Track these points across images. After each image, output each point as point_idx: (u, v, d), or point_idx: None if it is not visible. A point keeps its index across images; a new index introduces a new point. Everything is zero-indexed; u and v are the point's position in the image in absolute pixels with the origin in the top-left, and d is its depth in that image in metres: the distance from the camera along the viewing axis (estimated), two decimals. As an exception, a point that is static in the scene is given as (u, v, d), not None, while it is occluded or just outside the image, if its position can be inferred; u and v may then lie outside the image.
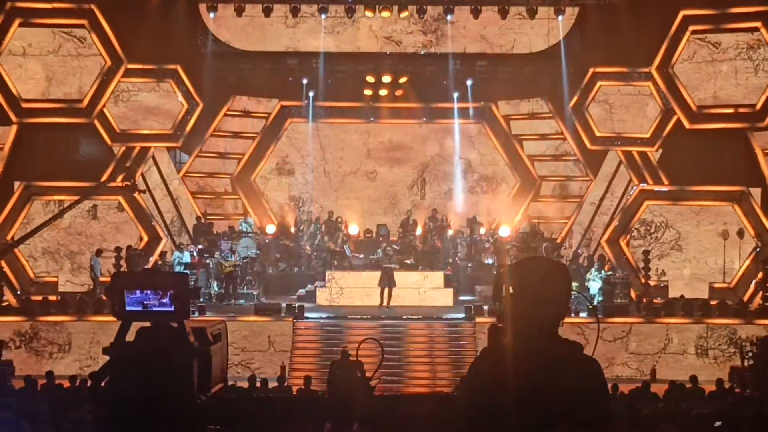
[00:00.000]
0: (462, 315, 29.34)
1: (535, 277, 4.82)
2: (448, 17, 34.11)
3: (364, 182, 38.36)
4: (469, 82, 36.10)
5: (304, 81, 36.07)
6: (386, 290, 30.58)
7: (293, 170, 38.13)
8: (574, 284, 5.01)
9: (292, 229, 35.93)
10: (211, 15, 33.84)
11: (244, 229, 34.71)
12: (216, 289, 31.44)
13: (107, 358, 7.46)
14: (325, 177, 38.31)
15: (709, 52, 32.37)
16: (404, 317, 29.50)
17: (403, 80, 36.44)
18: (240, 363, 27.36)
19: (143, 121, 33.61)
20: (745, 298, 30.86)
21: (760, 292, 30.53)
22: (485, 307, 28.89)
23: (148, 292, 7.29)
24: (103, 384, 7.52)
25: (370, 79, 36.28)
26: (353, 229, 36.37)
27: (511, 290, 4.82)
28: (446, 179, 38.36)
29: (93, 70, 32.69)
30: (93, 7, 32.13)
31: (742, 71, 32.11)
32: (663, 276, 32.81)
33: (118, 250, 31.68)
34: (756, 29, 31.62)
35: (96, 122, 32.77)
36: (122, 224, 33.34)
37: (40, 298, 30.43)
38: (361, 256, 34.08)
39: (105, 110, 32.84)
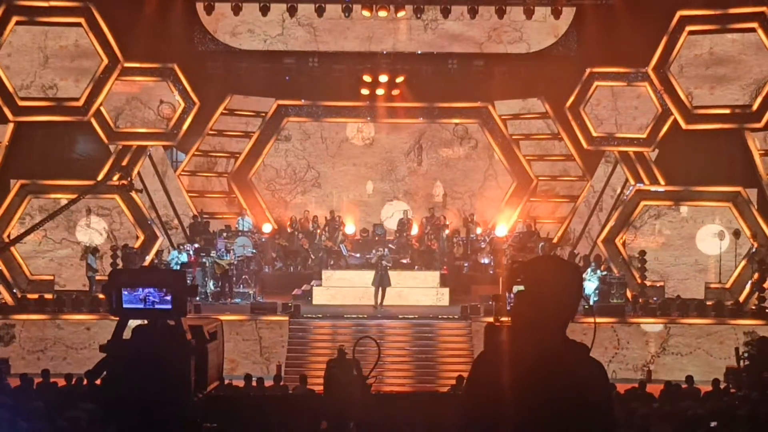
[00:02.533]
0: (457, 314, 29.38)
1: (548, 276, 4.79)
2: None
3: (360, 148, 38.37)
4: None
5: None
6: (380, 290, 30.60)
7: (290, 136, 38.13)
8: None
9: (288, 229, 35.91)
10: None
11: (241, 228, 34.70)
12: (212, 287, 31.45)
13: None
14: (321, 143, 38.30)
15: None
16: (400, 317, 29.53)
17: (399, 80, 36.41)
18: (236, 361, 27.35)
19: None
20: (741, 299, 30.89)
21: (756, 293, 30.57)
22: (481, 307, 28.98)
23: (149, 289, 7.28)
24: (99, 381, 7.51)
25: (367, 78, 36.25)
26: (350, 229, 36.37)
27: (521, 288, 4.80)
28: (443, 146, 38.35)
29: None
30: (90, 5, 32.09)
31: None
32: (660, 235, 32.77)
33: (114, 248, 31.66)
34: (753, 30, 31.63)
35: (92, 120, 32.70)
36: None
37: (36, 296, 30.45)
38: (358, 255, 34.11)
39: (102, 108, 32.80)
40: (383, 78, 36.21)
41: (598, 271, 30.81)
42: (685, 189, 32.73)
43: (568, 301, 4.80)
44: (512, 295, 4.97)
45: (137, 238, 32.82)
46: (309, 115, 37.97)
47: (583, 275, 30.16)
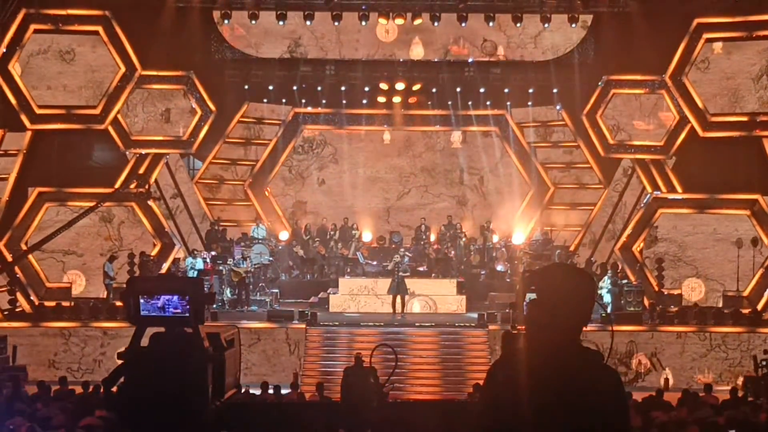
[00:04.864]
0: (474, 322, 29.34)
1: (560, 284, 4.78)
2: (462, 24, 33.67)
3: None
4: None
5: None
6: (398, 298, 30.55)
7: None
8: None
9: (305, 236, 35.92)
10: (226, 22, 33.85)
11: (257, 236, 34.71)
12: (229, 295, 31.48)
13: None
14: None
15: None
16: (417, 324, 29.50)
17: (416, 87, 36.40)
18: (252, 369, 27.36)
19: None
20: (759, 307, 30.74)
21: (775, 301, 30.46)
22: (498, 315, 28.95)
23: (167, 296, 7.28)
24: (115, 389, 7.52)
25: (384, 86, 36.25)
26: (366, 236, 36.37)
27: (533, 296, 4.79)
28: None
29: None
30: (107, 13, 32.19)
31: None
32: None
33: (131, 256, 31.72)
34: (769, 37, 31.61)
35: (110, 128, 32.78)
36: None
37: (53, 303, 30.52)
38: (374, 263, 34.08)
39: (119, 116, 32.89)
40: (400, 86, 36.21)
41: (616, 279, 30.71)
42: (703, 197, 32.63)
43: (580, 309, 4.78)
44: (525, 303, 4.97)
45: (154, 245, 32.90)
46: (326, 123, 38.02)
47: (600, 283, 30.14)
